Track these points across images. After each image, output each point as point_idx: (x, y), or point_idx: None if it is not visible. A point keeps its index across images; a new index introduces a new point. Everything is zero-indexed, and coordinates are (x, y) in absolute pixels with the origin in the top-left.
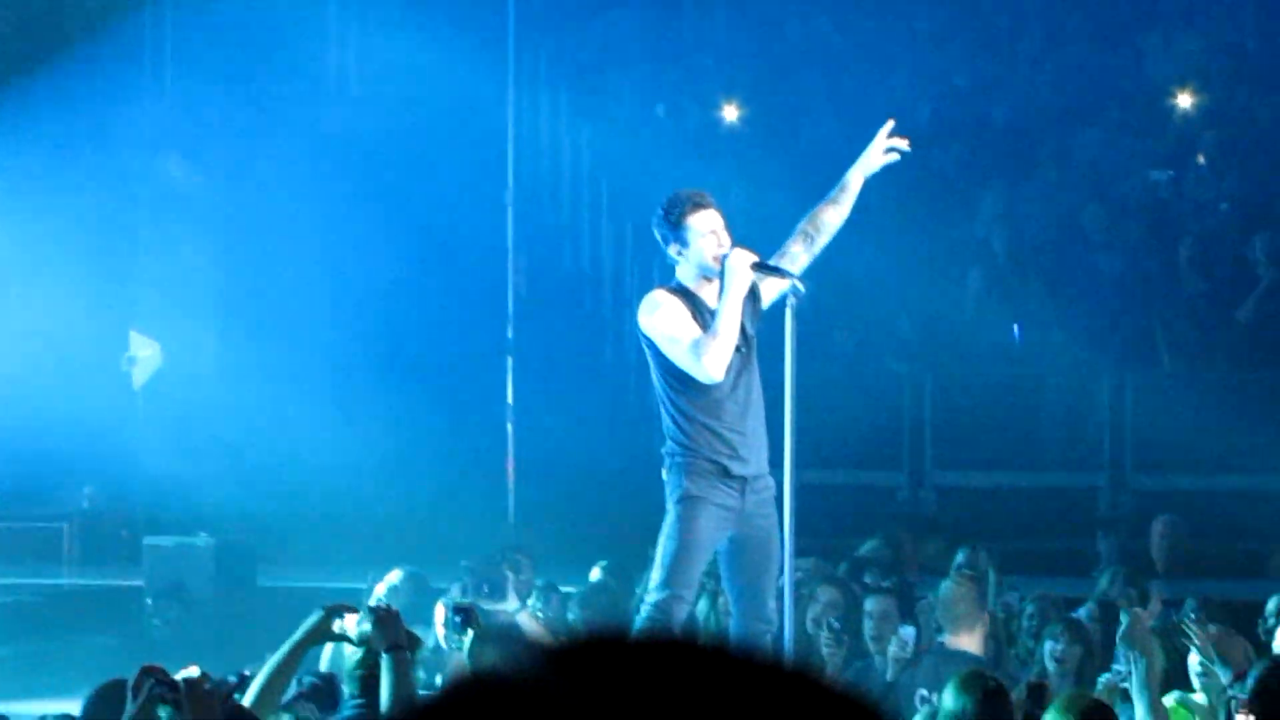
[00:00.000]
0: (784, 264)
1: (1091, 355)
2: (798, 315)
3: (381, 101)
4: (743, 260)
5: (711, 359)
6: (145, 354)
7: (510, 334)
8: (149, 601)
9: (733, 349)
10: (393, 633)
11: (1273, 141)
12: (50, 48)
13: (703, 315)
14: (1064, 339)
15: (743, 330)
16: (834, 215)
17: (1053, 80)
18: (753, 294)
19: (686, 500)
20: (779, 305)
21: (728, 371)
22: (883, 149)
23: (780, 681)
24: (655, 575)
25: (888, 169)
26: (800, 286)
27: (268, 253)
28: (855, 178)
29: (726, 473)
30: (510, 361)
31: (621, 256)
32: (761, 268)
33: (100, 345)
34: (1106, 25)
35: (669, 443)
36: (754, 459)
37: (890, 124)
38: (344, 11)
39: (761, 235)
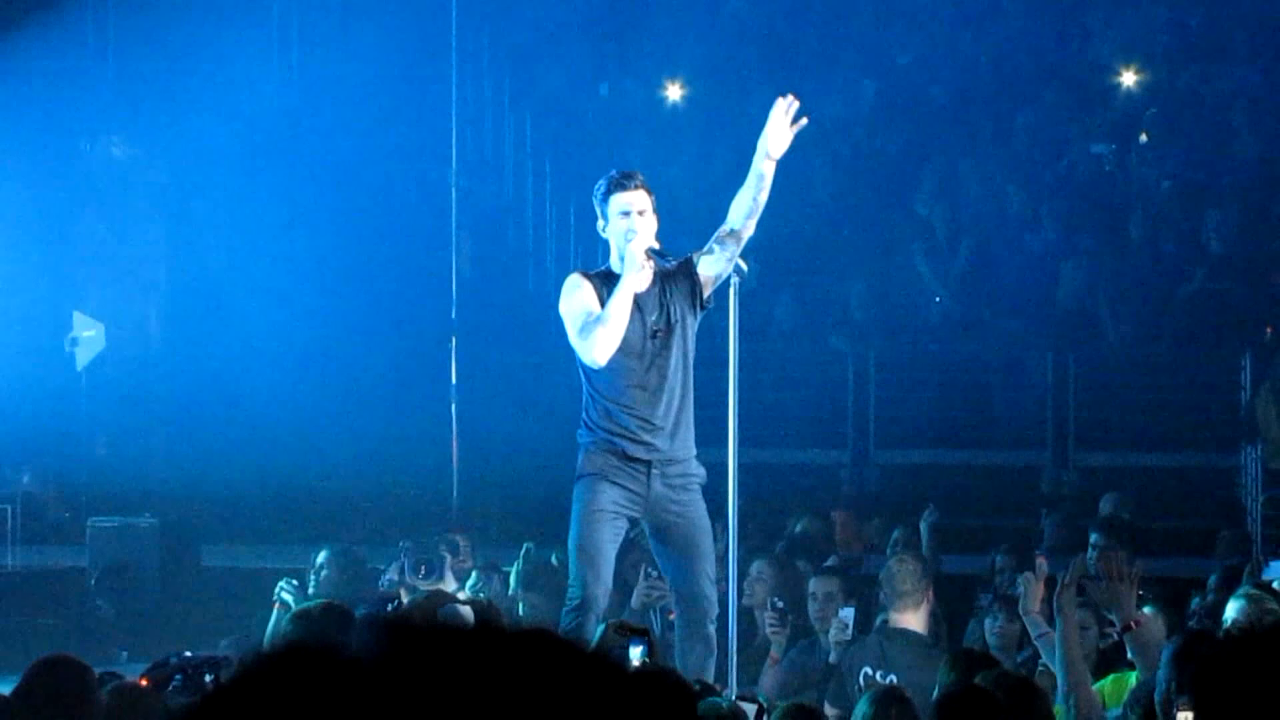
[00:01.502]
0: (715, 256)
1: (1034, 332)
2: (740, 294)
3: (325, 82)
4: (640, 246)
5: (595, 344)
6: (88, 335)
7: (454, 315)
8: (93, 582)
9: (619, 335)
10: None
11: (1215, 119)
12: None
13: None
14: (1007, 316)
15: (665, 316)
16: (753, 203)
17: (994, 58)
18: (690, 281)
19: (582, 480)
20: (725, 286)
21: (640, 357)
22: (782, 131)
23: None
24: (570, 570)
25: (824, 148)
26: (743, 266)
27: (211, 233)
28: (765, 165)
29: (625, 455)
30: (454, 342)
31: (565, 236)
32: (656, 254)
33: (43, 326)
34: (1049, 3)
35: (580, 423)
36: (662, 444)
37: (781, 103)
38: (286, 7)
39: (705, 212)
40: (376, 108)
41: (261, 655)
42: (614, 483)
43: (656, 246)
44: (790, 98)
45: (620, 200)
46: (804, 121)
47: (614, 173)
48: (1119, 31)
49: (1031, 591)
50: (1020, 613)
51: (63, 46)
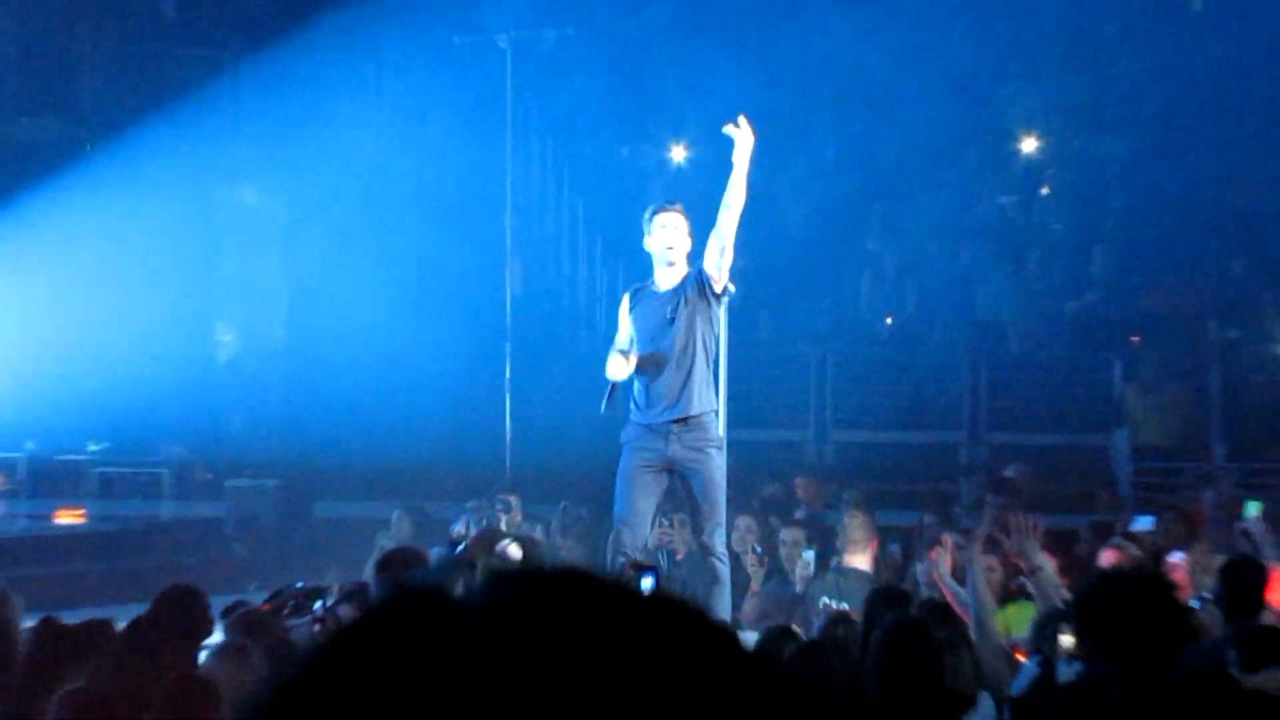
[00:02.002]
0: (711, 252)
1: (955, 340)
2: (730, 310)
3: (410, 142)
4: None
5: (608, 366)
6: (226, 339)
7: (508, 324)
8: (229, 530)
9: (613, 375)
10: (536, 557)
11: (1096, 176)
12: (155, 106)
13: (645, 304)
14: (936, 328)
15: (675, 308)
16: (726, 192)
17: (926, 127)
18: (699, 280)
19: (622, 447)
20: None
21: (653, 341)
22: (737, 134)
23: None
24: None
25: (795, 198)
26: (732, 289)
27: (320, 261)
28: (741, 168)
29: (645, 425)
30: (508, 346)
31: (594, 264)
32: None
33: (192, 333)
34: (968, 82)
35: None
36: (668, 410)
37: (729, 126)
38: (380, 76)
39: (703, 245)
40: (449, 163)
41: (381, 601)
42: (639, 448)
43: (672, 260)
44: (741, 121)
45: (660, 218)
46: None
47: (662, 200)
48: (1022, 106)
49: (944, 562)
50: (936, 577)
51: (207, 112)
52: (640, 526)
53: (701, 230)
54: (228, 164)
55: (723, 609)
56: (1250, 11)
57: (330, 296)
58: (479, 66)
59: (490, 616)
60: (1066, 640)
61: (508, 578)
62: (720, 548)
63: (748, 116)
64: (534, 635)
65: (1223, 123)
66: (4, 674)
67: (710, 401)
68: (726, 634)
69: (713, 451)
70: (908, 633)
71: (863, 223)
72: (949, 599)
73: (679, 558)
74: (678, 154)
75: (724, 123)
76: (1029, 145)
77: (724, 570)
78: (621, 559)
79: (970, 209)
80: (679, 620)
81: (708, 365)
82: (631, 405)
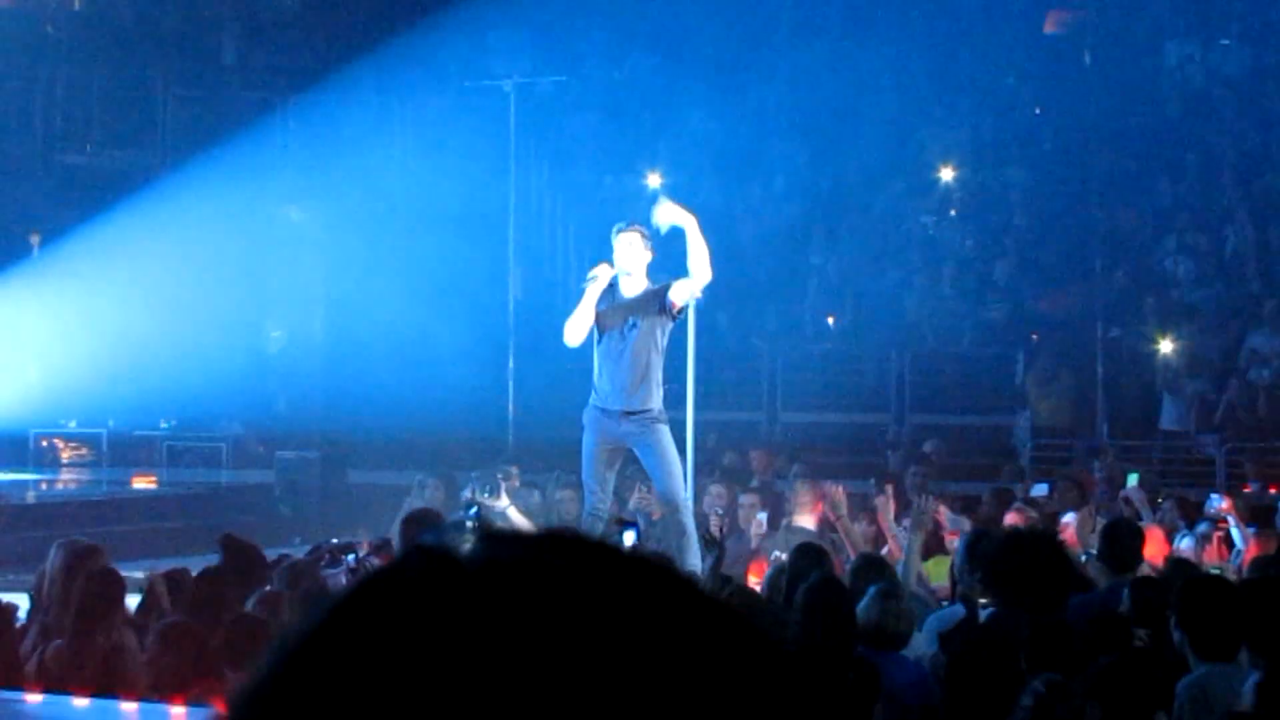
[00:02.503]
0: (680, 286)
1: (883, 338)
2: (696, 309)
3: (431, 170)
4: (602, 272)
5: (565, 329)
6: (275, 335)
7: (511, 321)
8: (277, 493)
9: (579, 325)
10: None
11: (1001, 201)
12: (216, 139)
13: (612, 304)
14: (867, 328)
15: (636, 315)
16: (692, 250)
17: (862, 158)
18: (660, 297)
19: (584, 429)
20: (687, 305)
21: (615, 341)
22: (665, 212)
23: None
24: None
25: (750, 218)
26: (697, 293)
27: (356, 270)
28: (687, 231)
29: (602, 409)
30: (511, 341)
31: (584, 272)
32: (613, 280)
33: (247, 330)
34: (895, 122)
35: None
36: (624, 400)
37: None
38: (404, 114)
39: (671, 259)
40: (462, 187)
41: (397, 558)
42: (598, 428)
43: (628, 270)
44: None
45: (618, 239)
46: (670, 207)
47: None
48: (940, 142)
49: (885, 507)
50: (880, 519)
51: (260, 144)
52: (605, 490)
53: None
54: (277, 188)
55: (693, 556)
56: (1129, 63)
57: (362, 299)
58: (487, 107)
59: (486, 572)
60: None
61: (503, 538)
62: (680, 499)
63: (668, 194)
64: (523, 587)
65: (1106, 155)
66: (113, 611)
67: (658, 399)
68: (690, 582)
69: (658, 426)
70: (826, 589)
71: (807, 239)
72: (889, 539)
73: (655, 518)
74: (653, 180)
75: (690, 157)
76: (946, 174)
77: (689, 523)
78: (595, 517)
79: (897, 228)
80: (649, 570)
81: (660, 367)
82: (592, 392)
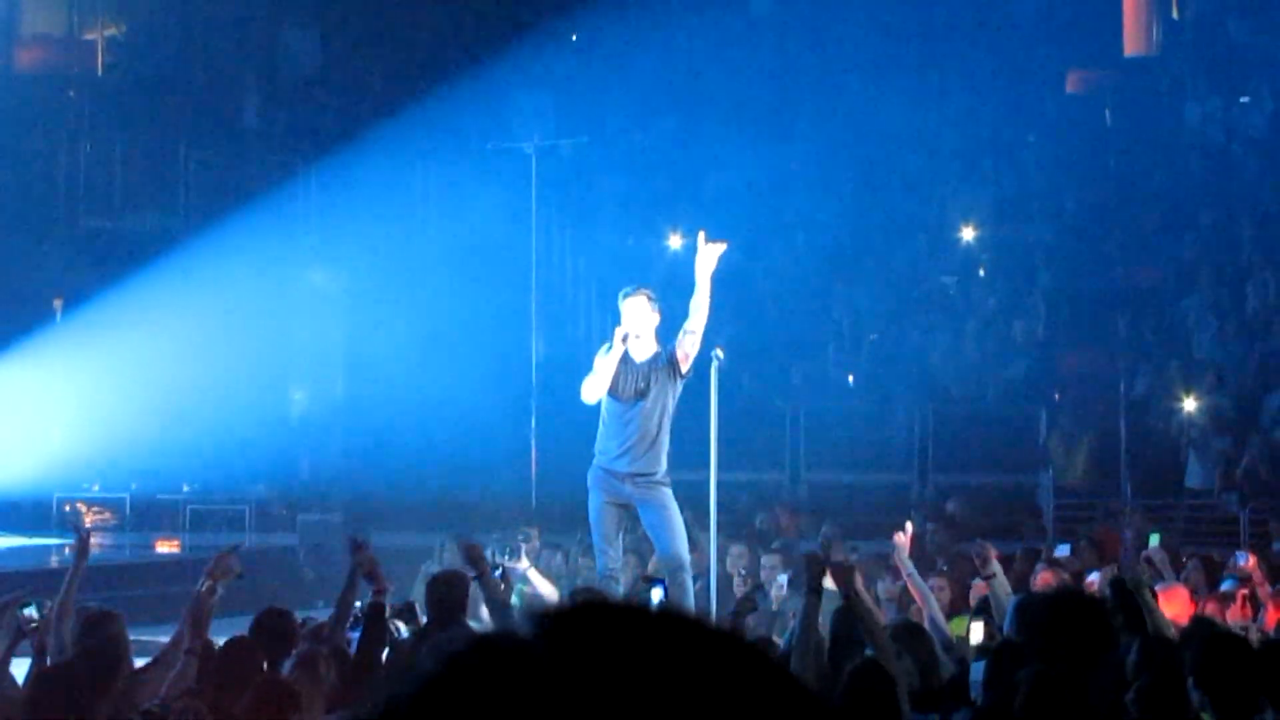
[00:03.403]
0: (685, 341)
1: (907, 396)
2: (720, 372)
3: (452, 232)
4: (619, 333)
5: (584, 387)
6: (297, 397)
7: (534, 382)
8: (301, 556)
9: (599, 384)
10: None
11: (1025, 260)
12: (238, 203)
13: (622, 368)
14: (889, 385)
15: (646, 380)
16: (693, 304)
17: (883, 216)
18: (670, 361)
19: (588, 490)
20: (707, 365)
21: (624, 404)
22: (707, 254)
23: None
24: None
25: (773, 279)
26: (720, 355)
27: (376, 331)
28: (703, 280)
29: (607, 470)
30: (534, 402)
31: (605, 332)
32: (624, 339)
33: (269, 393)
34: (917, 181)
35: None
36: (631, 463)
37: (702, 234)
38: (426, 177)
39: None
40: (483, 248)
41: (456, 650)
42: (603, 488)
43: (637, 334)
44: (703, 235)
45: (625, 304)
46: (723, 245)
47: (629, 288)
48: (962, 199)
49: (901, 549)
50: (897, 561)
51: (281, 208)
52: (616, 550)
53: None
54: (299, 250)
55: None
56: (1150, 122)
57: (384, 361)
58: (509, 169)
59: (559, 656)
60: (976, 633)
61: (560, 615)
62: (684, 559)
63: (706, 232)
64: (599, 669)
65: (1128, 214)
66: (113, 681)
67: (664, 463)
68: (754, 647)
69: (662, 488)
70: (868, 674)
71: (829, 297)
72: (905, 579)
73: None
74: (674, 241)
75: (712, 217)
76: (968, 233)
77: (689, 583)
78: (609, 577)
79: (919, 286)
80: (718, 642)
81: (668, 430)
82: (597, 450)
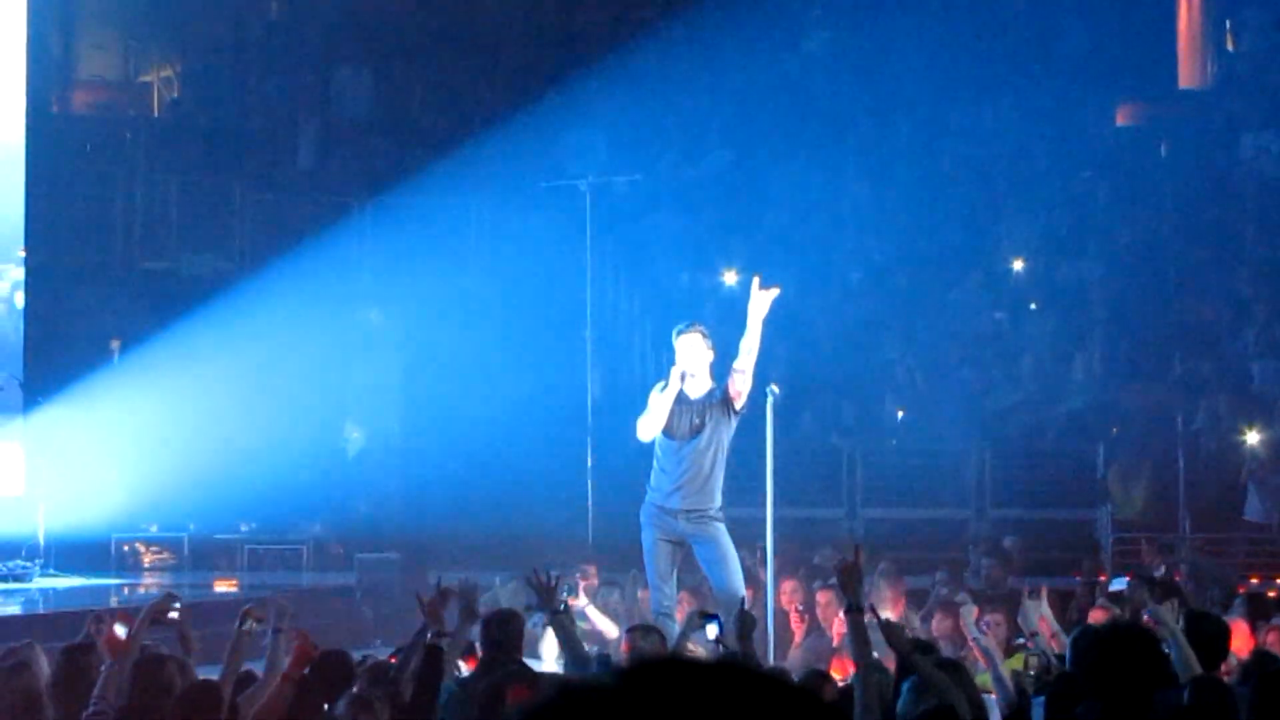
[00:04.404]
0: (735, 380)
1: (966, 434)
2: (775, 409)
3: (508, 269)
4: (676, 371)
5: (640, 425)
6: (355, 436)
7: (589, 421)
8: (358, 595)
9: (655, 423)
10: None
11: (1078, 296)
12: (295, 243)
13: (677, 401)
14: (947, 424)
15: (701, 417)
16: (744, 344)
17: (938, 253)
18: (725, 398)
19: (642, 528)
20: (761, 400)
21: (679, 441)
22: (757, 300)
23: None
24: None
25: (828, 316)
26: (776, 390)
27: (433, 369)
28: (754, 323)
29: (660, 507)
30: (589, 440)
31: (661, 370)
32: (681, 377)
33: (326, 431)
34: (970, 216)
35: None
36: (685, 500)
37: (755, 281)
38: (481, 215)
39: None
40: (539, 286)
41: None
42: (657, 525)
43: (692, 372)
44: (757, 280)
45: (679, 341)
46: (776, 291)
47: (683, 324)
48: (1015, 236)
49: (968, 614)
50: (963, 627)
51: (338, 247)
52: (671, 587)
53: (725, 350)
54: (355, 290)
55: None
56: (1204, 155)
57: (441, 399)
58: (564, 206)
59: (643, 708)
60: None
61: (645, 668)
62: (739, 595)
63: (759, 277)
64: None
65: (1182, 247)
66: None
67: (718, 499)
68: (829, 706)
69: (716, 524)
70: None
71: (883, 336)
72: (971, 646)
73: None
74: (729, 278)
75: (766, 253)
76: (1021, 267)
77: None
78: (664, 614)
79: (974, 321)
80: (794, 699)
81: (723, 466)
82: (649, 489)
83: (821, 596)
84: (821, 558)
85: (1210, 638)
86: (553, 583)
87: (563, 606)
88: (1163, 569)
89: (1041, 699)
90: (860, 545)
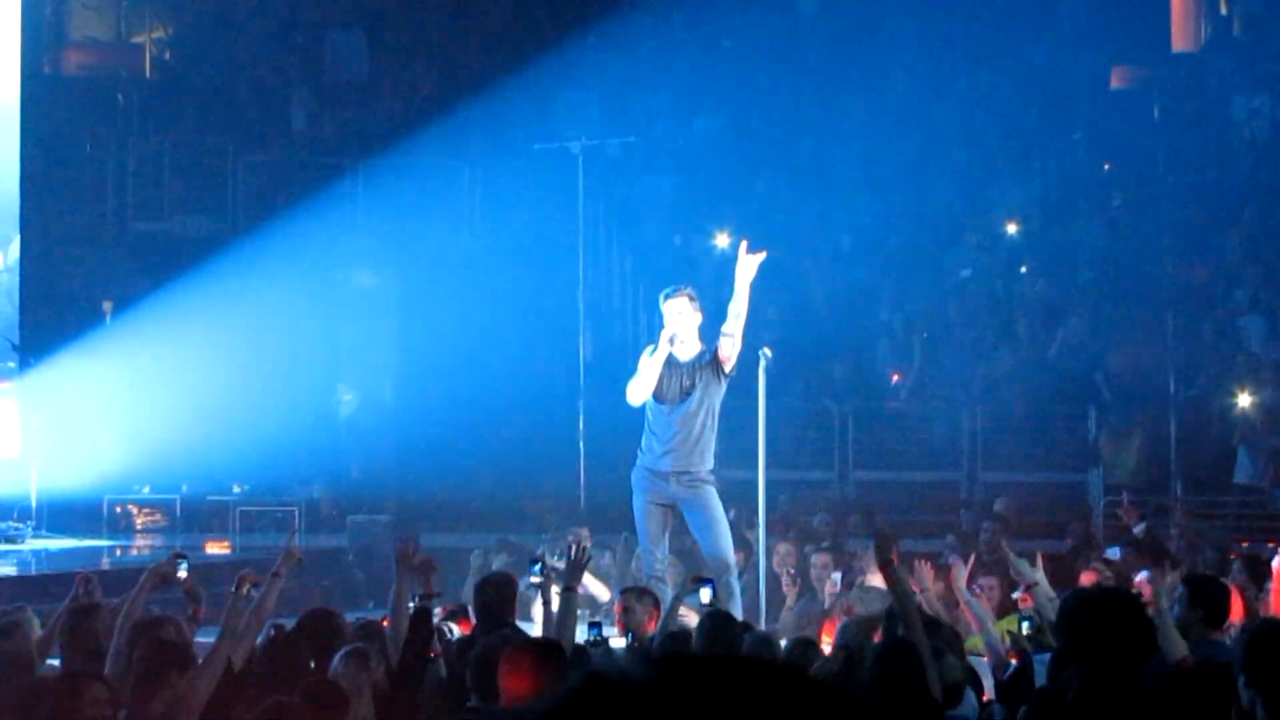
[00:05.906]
0: (724, 344)
1: (957, 396)
2: (767, 372)
3: (500, 232)
4: (665, 334)
5: (630, 389)
6: (347, 398)
7: (581, 383)
8: (350, 557)
9: (645, 386)
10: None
11: (1068, 258)
12: (288, 205)
13: (666, 369)
14: (939, 386)
15: (691, 380)
16: (731, 307)
17: (932, 216)
18: (714, 360)
19: (633, 491)
20: (752, 363)
21: (669, 404)
22: (745, 264)
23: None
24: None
25: (819, 278)
26: (768, 353)
27: (425, 333)
28: (742, 286)
29: (651, 470)
30: (581, 403)
31: (653, 333)
32: (669, 341)
33: (318, 394)
34: (964, 179)
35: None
36: (676, 462)
37: (743, 244)
38: (473, 178)
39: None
40: (530, 249)
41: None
42: (647, 488)
43: (680, 336)
44: (745, 243)
45: (667, 305)
46: (763, 254)
47: (672, 288)
48: (1009, 198)
49: (959, 573)
50: (955, 589)
51: (331, 210)
52: (661, 550)
53: (715, 313)
54: (348, 252)
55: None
56: (1197, 118)
57: (432, 362)
58: (555, 169)
59: (677, 703)
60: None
61: (678, 662)
62: (729, 560)
63: (746, 240)
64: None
65: (1175, 210)
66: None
67: (709, 461)
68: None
69: (706, 487)
70: (896, 652)
71: (876, 298)
72: (961, 606)
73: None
74: (721, 241)
75: (759, 216)
76: (1014, 230)
77: (735, 584)
78: (655, 578)
79: (966, 285)
80: (827, 697)
81: (714, 430)
82: (640, 452)
83: (819, 560)
84: (821, 522)
85: (1213, 600)
86: (584, 559)
87: (538, 567)
88: (1141, 526)
89: (1045, 656)
90: (891, 532)
